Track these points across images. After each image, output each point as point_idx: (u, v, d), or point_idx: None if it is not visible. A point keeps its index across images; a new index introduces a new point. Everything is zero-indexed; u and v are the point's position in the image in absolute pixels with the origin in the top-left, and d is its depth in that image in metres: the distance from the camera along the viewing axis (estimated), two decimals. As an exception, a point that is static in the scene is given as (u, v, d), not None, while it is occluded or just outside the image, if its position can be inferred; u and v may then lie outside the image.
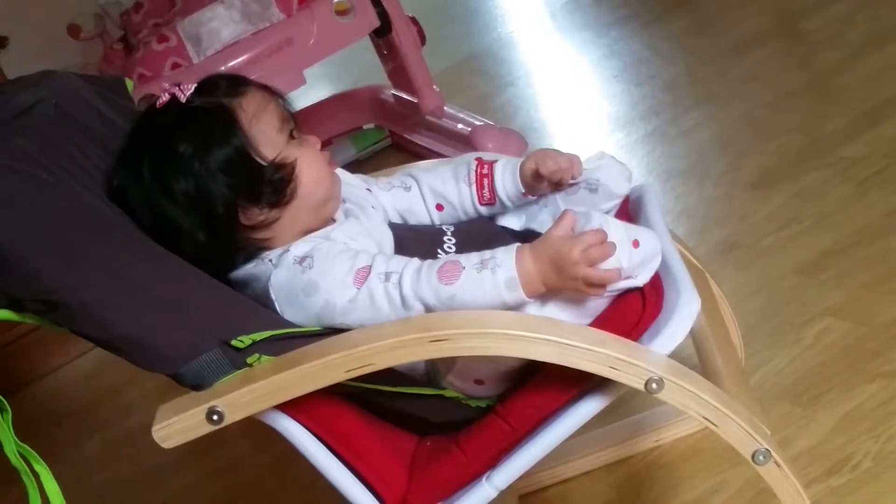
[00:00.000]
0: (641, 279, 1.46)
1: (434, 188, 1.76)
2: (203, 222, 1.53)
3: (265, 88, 1.62)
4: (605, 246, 1.41)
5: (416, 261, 1.49)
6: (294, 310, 1.52)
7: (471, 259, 1.46)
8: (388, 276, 1.47)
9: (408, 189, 1.78)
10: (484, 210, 1.74)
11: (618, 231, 1.42)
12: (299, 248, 1.55)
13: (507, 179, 1.71)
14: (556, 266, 1.43)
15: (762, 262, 2.43)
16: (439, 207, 1.76)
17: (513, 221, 1.76)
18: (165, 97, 1.56)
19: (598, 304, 1.47)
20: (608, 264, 1.40)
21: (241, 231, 1.56)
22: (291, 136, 1.60)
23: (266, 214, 1.56)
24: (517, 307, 1.46)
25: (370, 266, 1.49)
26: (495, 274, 1.44)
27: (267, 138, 1.56)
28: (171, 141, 1.53)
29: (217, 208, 1.53)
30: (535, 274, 1.44)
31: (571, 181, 1.68)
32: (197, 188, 1.52)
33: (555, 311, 1.47)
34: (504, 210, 1.75)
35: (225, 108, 1.55)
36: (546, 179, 1.68)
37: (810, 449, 1.88)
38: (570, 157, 1.68)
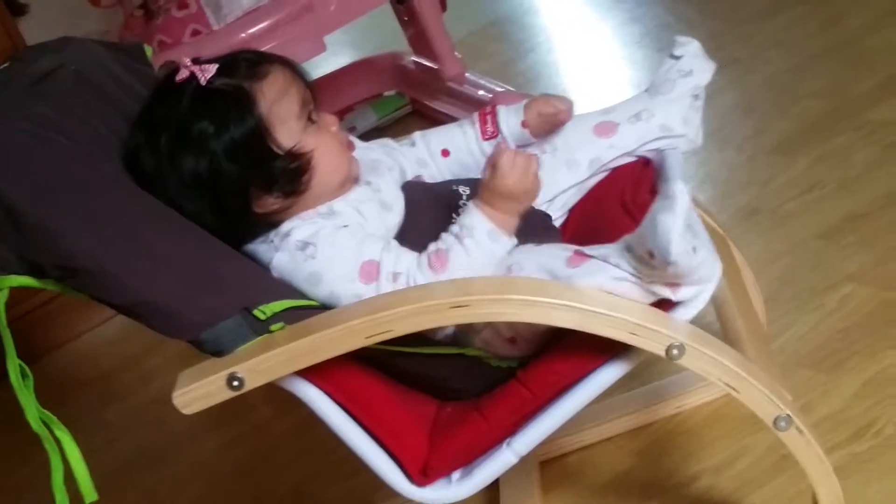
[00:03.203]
0: (681, 295, 1.40)
1: (438, 135, 1.80)
2: (212, 205, 1.54)
3: (288, 67, 1.61)
4: (519, 157, 1.51)
5: (415, 257, 1.52)
6: (300, 290, 1.53)
7: (448, 239, 1.52)
8: (396, 276, 1.50)
9: (413, 145, 1.81)
10: (487, 146, 1.76)
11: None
12: (301, 230, 1.55)
13: (510, 116, 1.76)
14: (508, 197, 1.51)
15: (785, 228, 2.42)
16: (444, 153, 1.79)
17: None
18: (185, 74, 1.55)
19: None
20: (676, 249, 1.30)
21: (252, 216, 1.56)
22: (310, 120, 1.59)
23: (280, 203, 1.57)
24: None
25: (378, 262, 1.50)
26: (475, 236, 1.50)
27: (285, 126, 1.55)
28: (188, 122, 1.52)
29: (229, 194, 1.53)
30: (499, 215, 1.52)
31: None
32: (210, 172, 1.52)
33: None
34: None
35: (244, 91, 1.54)
36: (547, 123, 1.75)
37: (832, 415, 1.87)
38: (565, 99, 1.75)
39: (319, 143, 1.58)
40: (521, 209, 1.53)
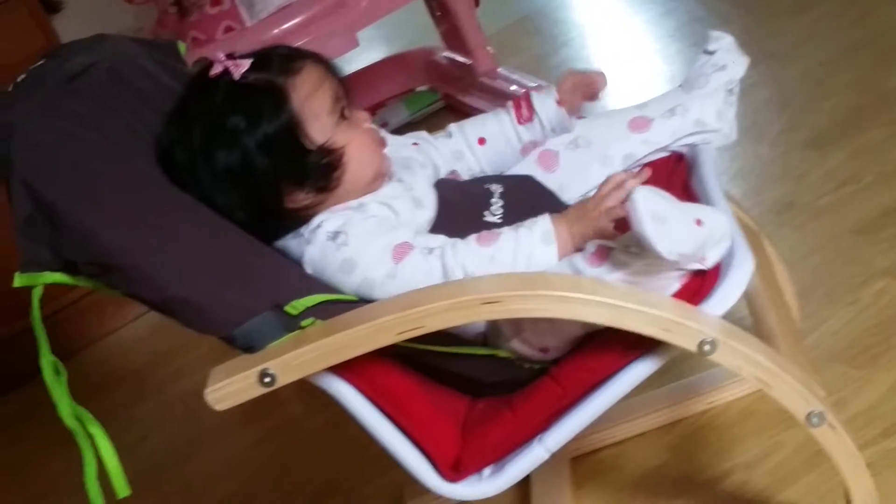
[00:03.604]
0: (710, 260, 1.43)
1: (474, 125, 1.81)
2: (245, 200, 1.54)
3: (321, 63, 1.61)
4: (619, 189, 1.49)
5: (454, 239, 1.52)
6: (331, 284, 1.53)
7: (504, 228, 1.52)
8: (430, 250, 1.49)
9: (449, 136, 1.81)
10: (523, 131, 1.77)
11: (678, 214, 1.37)
12: (331, 222, 1.55)
13: (544, 98, 1.77)
14: (585, 222, 1.50)
15: (819, 222, 2.41)
16: (481, 141, 1.79)
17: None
18: (219, 69, 1.56)
19: (665, 282, 1.44)
20: (666, 251, 1.34)
21: (284, 211, 1.56)
22: (343, 116, 1.59)
23: (311, 199, 1.57)
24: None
25: (410, 242, 1.50)
26: (531, 229, 1.50)
27: (318, 121, 1.56)
28: (221, 116, 1.53)
29: (261, 189, 1.54)
30: (565, 231, 1.50)
31: None
32: (242, 166, 1.53)
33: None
34: (543, 133, 1.78)
35: (277, 87, 1.55)
36: (582, 94, 1.77)
37: (866, 411, 1.86)
38: (596, 71, 1.77)
39: (351, 139, 1.59)
40: (584, 238, 1.49)
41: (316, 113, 1.56)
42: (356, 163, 1.58)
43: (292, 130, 1.54)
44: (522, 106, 1.78)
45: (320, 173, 1.56)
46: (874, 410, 1.86)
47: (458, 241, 1.50)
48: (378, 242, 1.51)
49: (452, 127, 1.82)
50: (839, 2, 3.41)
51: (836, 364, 1.98)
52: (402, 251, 1.49)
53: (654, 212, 1.33)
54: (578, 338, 1.51)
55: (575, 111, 1.77)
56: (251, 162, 1.52)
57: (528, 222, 1.51)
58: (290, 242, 1.58)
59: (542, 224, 1.50)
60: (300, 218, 1.58)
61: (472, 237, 1.50)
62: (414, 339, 1.42)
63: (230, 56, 1.58)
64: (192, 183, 1.53)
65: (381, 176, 1.63)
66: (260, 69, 1.56)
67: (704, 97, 1.71)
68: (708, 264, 1.43)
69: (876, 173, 2.48)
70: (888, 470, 1.73)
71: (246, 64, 1.55)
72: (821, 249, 2.31)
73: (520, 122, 1.78)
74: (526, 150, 1.79)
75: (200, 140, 1.53)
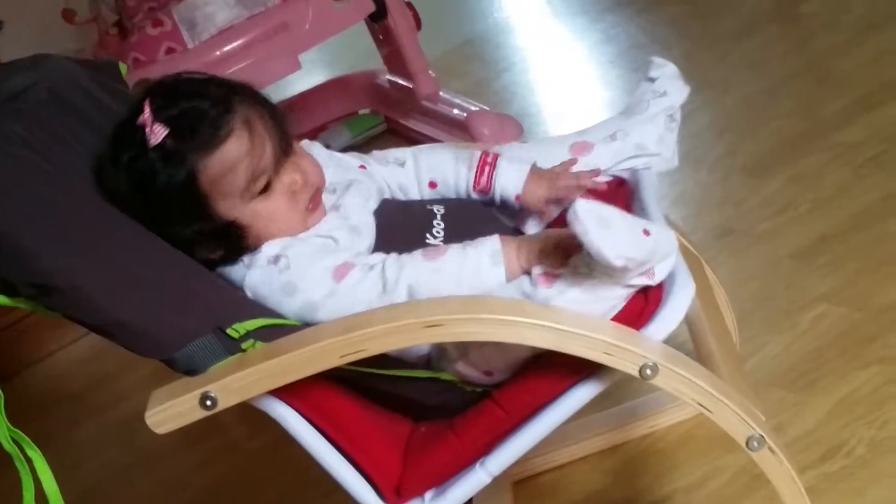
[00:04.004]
0: (658, 276, 1.42)
1: (431, 165, 1.76)
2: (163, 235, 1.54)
3: (255, 123, 1.55)
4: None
5: (395, 254, 1.50)
6: (273, 307, 1.52)
7: (454, 244, 1.50)
8: (371, 267, 1.49)
9: (401, 165, 1.77)
10: (475, 197, 1.74)
11: (623, 221, 1.37)
12: (271, 247, 1.54)
13: (509, 177, 1.70)
14: (530, 239, 1.49)
15: (757, 248, 2.43)
16: (432, 185, 1.76)
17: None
18: (143, 119, 1.52)
19: (613, 301, 1.44)
20: (613, 255, 1.33)
21: (201, 259, 1.56)
22: (265, 188, 1.55)
23: (217, 256, 1.57)
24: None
25: (351, 262, 1.50)
26: (479, 249, 1.48)
27: (225, 201, 1.54)
28: (135, 170, 1.51)
29: (174, 241, 1.53)
30: (513, 252, 1.48)
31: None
32: (155, 221, 1.53)
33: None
34: (493, 205, 1.74)
35: (188, 165, 1.51)
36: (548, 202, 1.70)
37: (804, 435, 1.88)
38: (584, 175, 1.69)
39: (263, 213, 1.56)
40: (531, 260, 1.47)
41: (224, 193, 1.53)
42: (266, 230, 1.56)
43: (196, 206, 1.52)
44: (485, 173, 1.72)
45: (227, 245, 1.56)
46: (813, 434, 1.87)
47: (401, 255, 1.49)
48: (319, 265, 1.50)
49: (408, 157, 1.78)
50: (778, 30, 3.46)
51: (775, 389, 1.99)
52: (342, 271, 1.49)
53: (599, 217, 1.32)
54: (524, 361, 1.51)
55: (530, 212, 1.72)
56: (155, 219, 1.52)
57: (476, 241, 1.50)
58: (230, 268, 1.57)
59: (491, 244, 1.49)
60: (222, 260, 1.58)
61: (417, 252, 1.49)
62: (356, 362, 1.41)
63: (158, 101, 1.53)
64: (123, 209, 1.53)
65: (308, 225, 1.61)
66: (179, 136, 1.51)
67: (645, 122, 1.72)
68: (655, 280, 1.42)
69: (813, 200, 2.51)
70: (828, 494, 1.75)
71: (162, 133, 1.50)
72: (760, 275, 2.34)
73: (475, 189, 1.73)
74: None
75: (124, 185, 1.52)
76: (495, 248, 1.48)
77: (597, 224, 1.32)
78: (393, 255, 1.50)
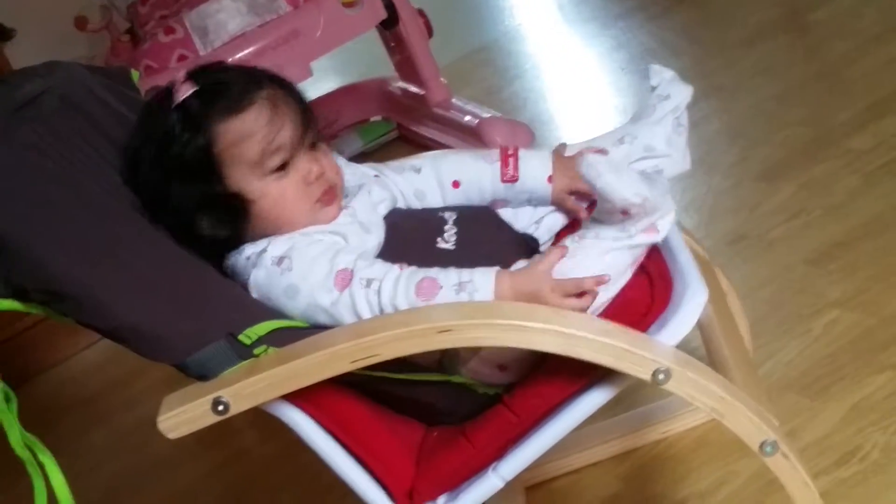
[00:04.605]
0: (662, 232, 1.47)
1: (452, 165, 1.76)
2: (169, 218, 1.55)
3: (279, 103, 1.57)
4: (582, 300, 1.45)
5: (395, 269, 1.49)
6: (278, 308, 1.53)
7: (450, 278, 1.47)
8: (369, 282, 1.48)
9: (418, 171, 1.76)
10: (503, 190, 1.72)
11: (630, 169, 1.45)
12: (277, 247, 1.54)
13: (535, 163, 1.71)
14: (532, 300, 1.45)
15: (770, 254, 2.43)
16: (455, 184, 1.75)
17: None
18: (170, 84, 1.57)
19: (622, 267, 1.48)
20: (631, 192, 1.40)
21: (204, 237, 1.57)
22: (279, 168, 1.57)
23: (224, 233, 1.57)
24: None
25: (352, 270, 1.49)
26: (472, 298, 1.46)
27: (235, 169, 1.55)
28: (154, 131, 1.56)
29: (178, 211, 1.55)
30: (508, 293, 1.47)
31: None
32: (160, 187, 1.55)
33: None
34: (522, 196, 1.73)
35: (207, 125, 1.53)
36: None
37: (818, 440, 1.87)
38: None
39: (272, 193, 1.57)
40: (527, 299, 1.46)
41: (236, 161, 1.55)
42: (271, 217, 1.57)
43: (207, 170, 1.54)
44: (510, 164, 1.72)
45: (231, 218, 1.57)
46: (827, 440, 1.87)
47: (400, 276, 1.48)
48: (321, 269, 1.50)
49: (424, 163, 1.77)
50: (788, 37, 3.46)
51: (789, 394, 1.99)
52: (343, 279, 1.49)
53: (609, 162, 1.41)
54: (536, 355, 1.51)
55: (561, 196, 1.72)
56: (165, 182, 1.54)
57: (469, 284, 1.47)
58: (238, 261, 1.58)
59: (484, 291, 1.46)
60: (229, 243, 1.58)
61: (414, 281, 1.47)
62: (368, 367, 1.41)
63: (192, 74, 1.58)
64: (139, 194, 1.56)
65: (313, 222, 1.61)
66: (203, 99, 1.55)
67: (652, 125, 1.72)
68: (660, 236, 1.46)
69: (825, 206, 2.51)
70: (841, 500, 1.74)
71: (187, 89, 1.55)
72: (773, 280, 2.33)
73: (503, 181, 1.72)
74: (494, 206, 1.75)
75: (137, 149, 1.57)
76: (488, 291, 1.46)
77: (608, 168, 1.38)
78: (391, 277, 1.48)
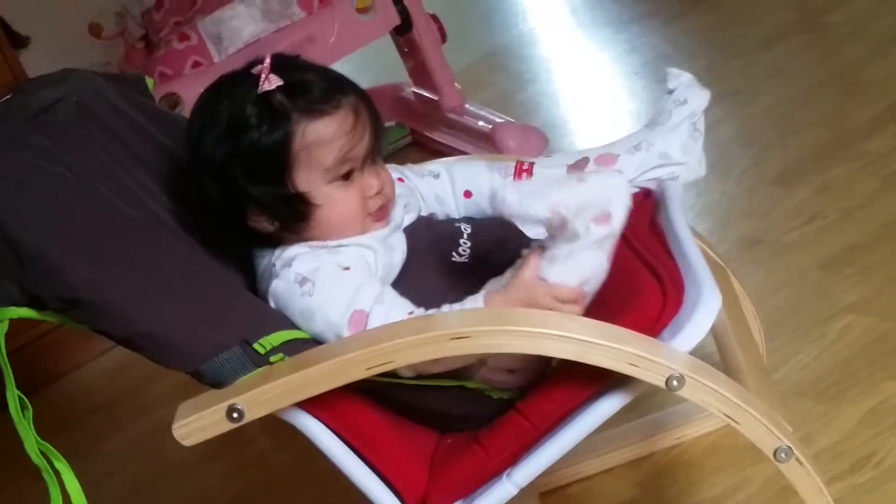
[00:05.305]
0: (616, 220, 1.42)
1: (465, 175, 1.76)
2: (216, 197, 1.56)
3: (361, 114, 1.57)
4: (575, 306, 1.45)
5: (405, 312, 1.49)
6: (292, 321, 1.53)
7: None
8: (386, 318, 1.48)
9: (436, 177, 1.77)
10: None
11: (550, 180, 1.45)
12: (303, 264, 1.54)
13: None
14: (527, 306, 1.45)
15: (785, 258, 2.42)
16: (467, 195, 1.75)
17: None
18: (258, 70, 1.55)
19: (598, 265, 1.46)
20: (543, 206, 1.39)
21: (246, 227, 1.57)
22: (345, 176, 1.57)
23: (275, 231, 1.57)
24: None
25: (367, 314, 1.48)
26: None
27: (307, 172, 1.54)
28: (231, 109, 1.54)
29: (231, 197, 1.55)
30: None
31: None
32: (223, 164, 1.53)
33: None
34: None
35: (288, 123, 1.52)
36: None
37: (833, 446, 1.87)
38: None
39: (336, 201, 1.57)
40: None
41: (310, 163, 1.54)
42: (328, 222, 1.57)
43: (279, 165, 1.53)
44: (523, 178, 1.72)
45: (287, 216, 1.56)
46: (841, 445, 1.86)
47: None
48: (340, 303, 1.49)
49: (441, 169, 1.78)
50: (803, 39, 3.45)
51: (803, 399, 1.99)
52: (357, 322, 1.48)
53: (520, 191, 1.41)
54: (544, 358, 1.51)
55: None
56: (231, 166, 1.53)
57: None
58: (262, 262, 1.59)
59: None
60: (265, 239, 1.58)
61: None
62: (382, 373, 1.42)
63: (280, 64, 1.56)
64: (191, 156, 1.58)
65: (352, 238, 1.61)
66: (290, 93, 1.54)
67: (668, 131, 1.71)
68: (614, 224, 1.42)
69: (841, 209, 2.50)
70: (855, 505, 1.74)
71: (275, 82, 1.53)
72: (787, 285, 2.33)
73: (517, 178, 1.72)
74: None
75: (207, 117, 1.56)
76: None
77: (518, 196, 1.39)
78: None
